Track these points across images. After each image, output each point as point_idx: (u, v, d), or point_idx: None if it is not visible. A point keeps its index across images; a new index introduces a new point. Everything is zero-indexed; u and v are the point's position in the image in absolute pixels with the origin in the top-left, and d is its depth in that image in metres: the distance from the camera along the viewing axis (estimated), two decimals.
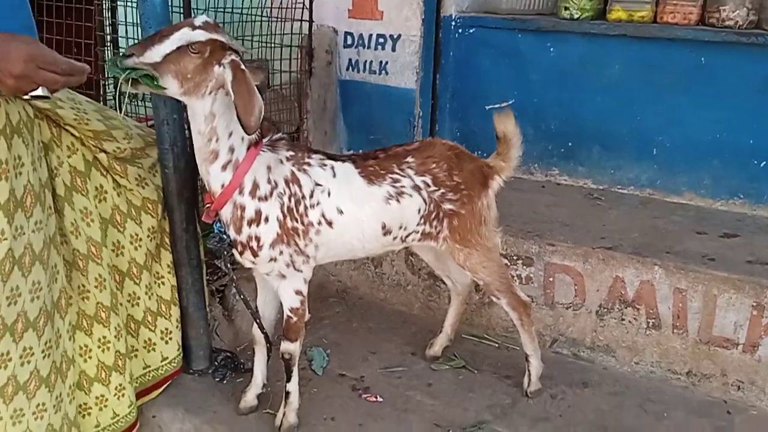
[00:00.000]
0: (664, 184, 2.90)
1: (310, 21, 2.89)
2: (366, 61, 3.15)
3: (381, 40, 3.08)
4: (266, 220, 1.84)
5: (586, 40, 2.88)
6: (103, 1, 2.53)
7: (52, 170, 1.78)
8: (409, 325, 2.73)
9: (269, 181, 1.84)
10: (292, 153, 1.90)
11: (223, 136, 1.75)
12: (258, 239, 1.85)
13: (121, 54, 1.60)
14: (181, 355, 2.19)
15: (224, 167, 1.78)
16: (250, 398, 2.16)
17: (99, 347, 1.90)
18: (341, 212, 1.91)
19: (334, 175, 1.92)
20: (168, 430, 2.15)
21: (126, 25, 2.45)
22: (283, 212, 1.85)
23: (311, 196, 1.88)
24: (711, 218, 2.71)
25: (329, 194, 1.90)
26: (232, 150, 1.77)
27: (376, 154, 2.03)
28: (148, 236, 2.02)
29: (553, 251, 2.46)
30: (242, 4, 2.77)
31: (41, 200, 1.66)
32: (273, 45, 2.89)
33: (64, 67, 1.43)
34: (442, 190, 2.00)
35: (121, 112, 1.88)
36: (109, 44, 2.61)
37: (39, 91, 1.42)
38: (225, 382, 2.29)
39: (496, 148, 2.15)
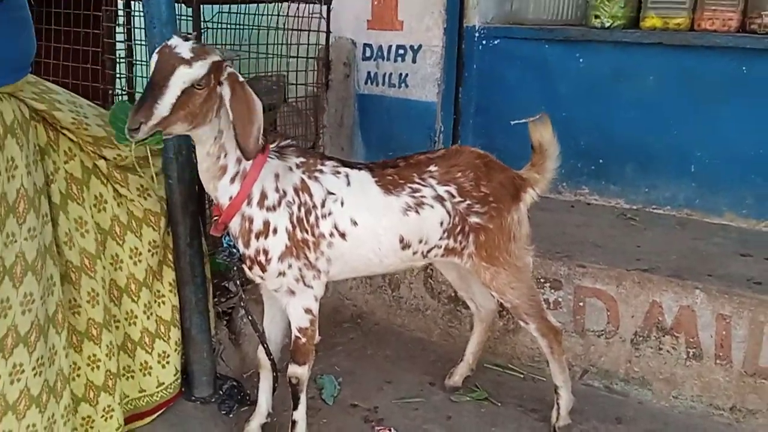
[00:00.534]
0: (704, 204, 2.74)
1: (328, 32, 2.79)
2: (385, 73, 3.05)
3: (401, 51, 2.98)
4: (275, 231, 1.72)
5: (619, 49, 2.76)
6: (112, 9, 2.44)
7: (48, 176, 1.67)
8: (428, 352, 2.57)
9: (277, 190, 1.72)
10: (302, 159, 1.79)
11: (231, 150, 1.64)
12: (266, 252, 1.73)
13: (127, 128, 1.45)
14: (179, 380, 2.04)
15: (232, 180, 1.67)
16: (253, 428, 2.02)
17: (88, 365, 1.78)
18: (355, 223, 1.78)
19: (349, 184, 1.79)
20: None
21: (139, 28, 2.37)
22: (292, 223, 1.73)
23: (323, 206, 1.76)
24: (755, 240, 2.54)
25: (342, 204, 1.77)
26: (239, 161, 1.67)
27: (396, 162, 1.91)
28: (149, 251, 1.90)
29: (584, 273, 2.30)
30: (257, 11, 2.67)
31: (35, 206, 1.56)
32: (288, 57, 2.78)
33: None
34: (468, 202, 1.86)
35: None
36: (122, 52, 2.52)
37: None
38: (231, 415, 2.13)
39: (530, 159, 2.01)
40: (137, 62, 2.45)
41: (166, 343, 1.98)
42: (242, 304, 1.95)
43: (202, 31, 2.25)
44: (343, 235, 1.77)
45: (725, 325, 2.10)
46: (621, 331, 2.26)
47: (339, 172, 1.80)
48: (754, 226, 2.65)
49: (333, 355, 2.54)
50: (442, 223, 1.85)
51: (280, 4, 2.69)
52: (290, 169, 1.75)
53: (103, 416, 1.80)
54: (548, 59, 2.89)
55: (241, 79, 1.56)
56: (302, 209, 1.73)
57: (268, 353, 1.95)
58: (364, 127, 3.17)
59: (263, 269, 1.74)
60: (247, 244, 1.73)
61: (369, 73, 3.08)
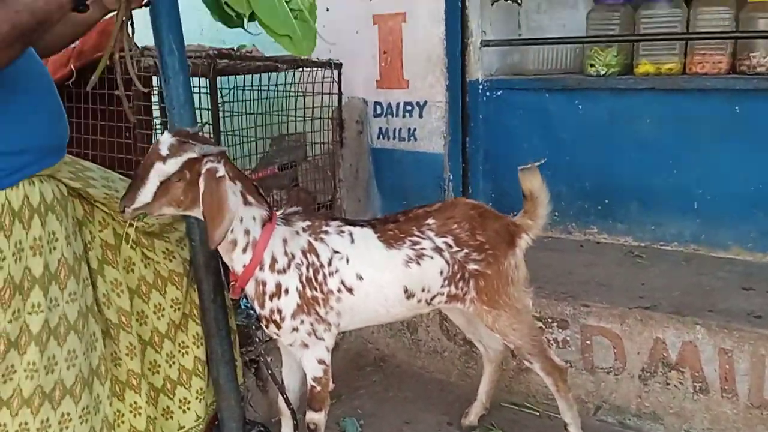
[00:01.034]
0: (709, 239, 2.78)
1: (339, 93, 2.98)
2: (395, 128, 3.21)
3: (408, 107, 3.14)
4: (286, 292, 1.86)
5: (615, 95, 2.86)
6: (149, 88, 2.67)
7: (86, 244, 1.86)
8: (446, 393, 2.65)
9: (286, 254, 1.86)
10: (308, 223, 1.93)
11: (237, 225, 1.78)
12: (280, 312, 1.86)
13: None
14: (200, 426, 2.18)
15: (244, 250, 1.82)
16: None
17: (131, 412, 1.94)
18: (361, 278, 1.90)
19: (353, 241, 1.93)
20: None
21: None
22: (302, 282, 1.87)
23: (330, 264, 1.89)
24: (759, 273, 2.57)
25: (348, 261, 1.90)
26: (247, 232, 1.81)
27: (397, 217, 2.03)
28: (172, 307, 2.07)
29: (588, 312, 2.37)
30: (276, 81, 2.89)
31: (75, 272, 1.73)
32: (305, 118, 2.98)
33: None
34: (466, 251, 1.97)
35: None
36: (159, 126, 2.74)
37: None
38: None
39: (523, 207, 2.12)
40: None
41: (188, 390, 2.12)
42: (262, 359, 2.09)
43: (221, 103, 2.47)
44: (350, 290, 1.90)
45: (728, 359, 2.14)
46: (629, 367, 2.32)
47: (343, 231, 1.93)
48: (761, 260, 2.68)
49: (356, 398, 2.64)
50: (441, 272, 1.96)
51: (294, 71, 2.90)
52: (297, 233, 1.89)
53: None
54: (548, 107, 3.00)
55: (219, 175, 1.68)
56: (310, 269, 1.87)
57: (288, 402, 2.08)
58: (379, 179, 3.33)
59: (278, 327, 1.88)
60: (262, 306, 1.87)
61: (381, 128, 3.25)
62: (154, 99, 2.70)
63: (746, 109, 2.60)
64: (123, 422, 1.94)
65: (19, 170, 1.57)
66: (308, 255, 1.88)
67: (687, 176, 2.76)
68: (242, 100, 2.68)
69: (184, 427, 2.15)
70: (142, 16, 1.76)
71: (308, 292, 1.87)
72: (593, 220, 3.03)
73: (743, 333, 2.12)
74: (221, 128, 2.45)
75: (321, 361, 1.95)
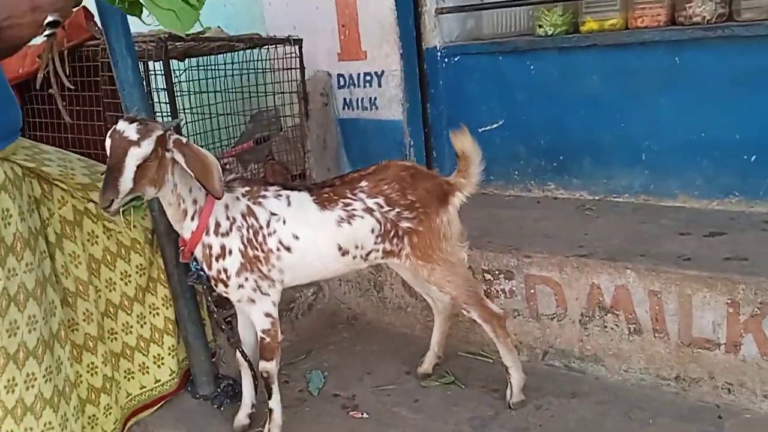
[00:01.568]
0: (658, 189, 2.85)
1: (302, 68, 3.11)
2: (358, 98, 3.34)
3: (368, 78, 3.26)
4: (230, 252, 2.04)
5: (562, 54, 2.92)
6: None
7: (44, 220, 2.06)
8: (410, 346, 2.80)
9: (228, 218, 2.04)
10: (247, 188, 2.10)
11: (187, 196, 1.98)
12: (226, 271, 2.05)
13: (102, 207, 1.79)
14: (175, 379, 2.40)
15: (192, 218, 2.01)
16: (241, 418, 2.32)
17: (88, 372, 2.14)
18: (297, 238, 2.07)
19: (289, 204, 2.09)
20: None
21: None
22: (243, 243, 2.04)
23: (268, 226, 2.06)
24: (702, 219, 2.64)
25: (284, 222, 2.07)
26: (195, 202, 2.00)
27: (333, 181, 2.18)
28: (137, 272, 2.27)
29: (530, 263, 2.49)
30: (241, 58, 3.04)
31: (31, 245, 1.93)
32: (274, 93, 3.14)
33: None
34: (397, 210, 2.10)
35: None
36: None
37: (50, 17, 1.52)
38: (222, 408, 2.45)
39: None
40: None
41: (160, 348, 2.34)
42: (214, 317, 2.28)
43: (176, 82, 2.63)
44: (288, 249, 2.06)
45: (657, 300, 2.24)
46: (569, 312, 2.44)
47: (281, 195, 2.09)
48: (707, 206, 2.75)
49: (325, 353, 2.82)
50: (373, 230, 2.10)
51: (260, 50, 3.04)
52: (237, 198, 2.06)
53: (104, 413, 2.17)
54: (503, 70, 3.08)
55: (185, 140, 1.86)
56: (250, 231, 2.04)
57: (243, 354, 2.27)
58: (347, 148, 3.47)
59: (225, 285, 2.06)
60: (210, 267, 2.05)
61: (345, 99, 3.38)
62: None
63: (685, 59, 2.65)
64: (82, 382, 2.15)
65: None
66: (247, 218, 2.05)
67: (634, 129, 2.83)
68: (203, 79, 2.84)
69: (159, 380, 2.38)
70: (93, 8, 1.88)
71: (250, 252, 2.05)
72: (550, 177, 3.12)
73: (670, 275, 2.21)
74: (179, 107, 2.61)
75: (268, 315, 2.12)
